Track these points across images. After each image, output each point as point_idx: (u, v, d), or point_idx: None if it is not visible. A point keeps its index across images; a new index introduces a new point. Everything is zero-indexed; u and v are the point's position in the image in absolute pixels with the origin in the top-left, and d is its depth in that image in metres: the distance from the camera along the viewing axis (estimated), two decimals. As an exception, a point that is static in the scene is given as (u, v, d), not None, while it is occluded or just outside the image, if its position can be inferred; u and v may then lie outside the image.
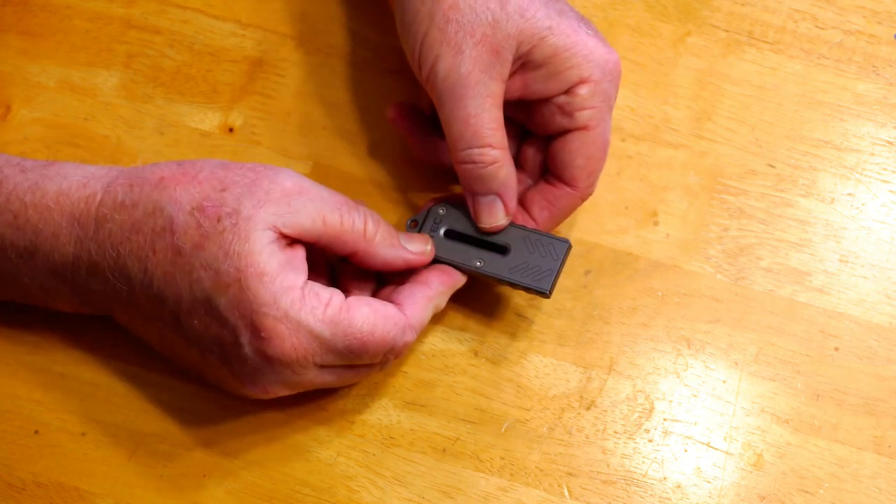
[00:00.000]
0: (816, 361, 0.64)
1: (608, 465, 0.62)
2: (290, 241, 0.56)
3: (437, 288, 0.61)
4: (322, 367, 0.57)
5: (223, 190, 0.56)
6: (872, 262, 0.66)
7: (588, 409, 0.63)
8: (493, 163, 0.59)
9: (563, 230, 0.67)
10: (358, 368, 0.59)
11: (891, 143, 0.69)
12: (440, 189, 0.67)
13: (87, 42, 0.70)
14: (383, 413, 0.63)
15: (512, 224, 0.62)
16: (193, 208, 0.55)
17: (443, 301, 0.61)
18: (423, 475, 0.62)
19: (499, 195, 0.61)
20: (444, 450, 0.62)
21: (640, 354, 0.64)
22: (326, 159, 0.68)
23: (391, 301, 0.59)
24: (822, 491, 0.62)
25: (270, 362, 0.55)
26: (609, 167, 0.68)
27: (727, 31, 0.71)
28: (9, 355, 0.63)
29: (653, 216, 0.67)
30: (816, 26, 0.72)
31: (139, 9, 0.71)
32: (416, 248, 0.61)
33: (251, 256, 0.54)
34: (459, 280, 0.62)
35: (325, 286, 0.57)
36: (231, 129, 0.69)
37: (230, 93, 0.69)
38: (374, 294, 0.61)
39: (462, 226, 0.62)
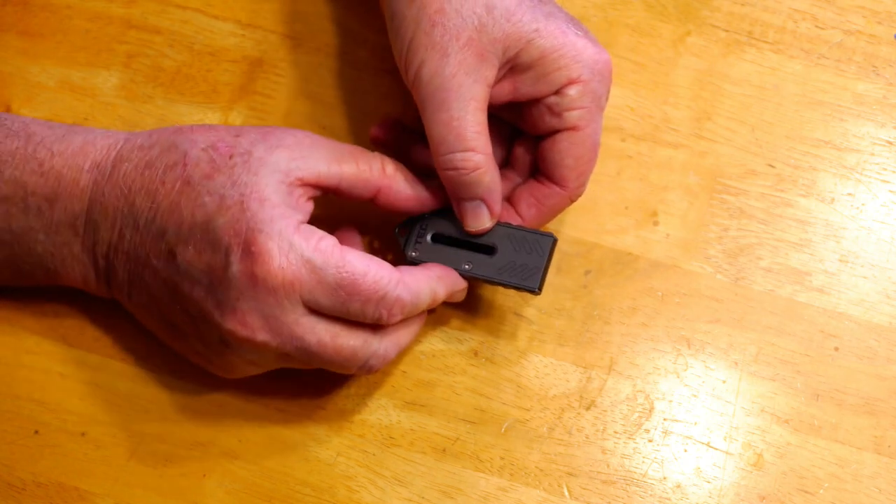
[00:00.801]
0: (816, 361, 0.64)
1: (608, 465, 0.62)
2: (308, 193, 0.57)
3: (437, 272, 0.60)
4: (309, 310, 0.56)
5: (238, 135, 0.58)
6: (872, 262, 0.66)
7: (588, 409, 0.63)
8: (475, 169, 0.59)
9: (561, 230, 0.67)
10: (346, 334, 0.57)
11: (891, 143, 0.69)
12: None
13: (87, 42, 0.70)
14: (383, 413, 0.63)
15: (498, 223, 0.61)
16: (208, 146, 0.57)
17: (441, 289, 0.60)
18: (423, 475, 0.62)
19: (483, 200, 0.60)
20: (444, 450, 0.62)
21: (640, 354, 0.64)
22: (326, 159, 0.68)
23: None
24: (822, 491, 0.62)
25: (255, 283, 0.55)
26: (609, 167, 0.68)
27: (727, 31, 0.71)
28: (9, 355, 0.63)
29: (653, 216, 0.67)
30: (816, 26, 0.72)
31: (139, 9, 0.71)
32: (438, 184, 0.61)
33: (257, 185, 0.56)
34: (459, 279, 0.61)
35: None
36: (231, 129, 0.69)
37: (230, 93, 0.69)
38: None
39: (448, 229, 0.62)
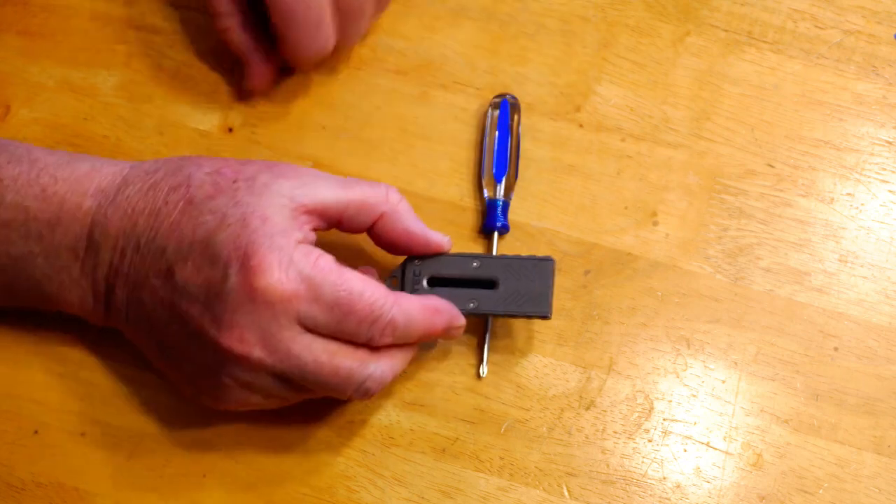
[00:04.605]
0: (816, 361, 0.64)
1: (608, 465, 0.62)
2: (312, 223, 0.57)
3: (435, 304, 0.59)
4: (305, 329, 0.56)
5: (243, 164, 0.59)
6: (872, 262, 0.66)
7: (587, 409, 0.63)
8: (223, 30, 0.66)
9: (561, 230, 0.67)
10: (343, 354, 0.56)
11: (890, 143, 0.69)
12: (437, 189, 0.67)
13: (87, 42, 0.70)
14: (383, 413, 0.63)
15: (492, 256, 0.62)
16: (212, 171, 0.58)
17: (438, 321, 0.59)
18: (422, 475, 0.62)
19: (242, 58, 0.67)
20: (443, 450, 0.62)
21: (640, 354, 0.64)
22: (326, 159, 0.68)
23: None
24: (821, 491, 0.62)
25: (254, 296, 0.54)
26: (609, 167, 0.68)
27: (726, 30, 0.71)
28: (9, 356, 0.63)
29: (652, 216, 0.67)
30: (816, 26, 0.72)
31: (139, 9, 0.71)
32: (439, 234, 0.61)
33: (259, 205, 0.56)
34: (457, 315, 0.60)
35: None
36: (230, 129, 0.69)
37: (230, 93, 0.69)
38: None
39: (443, 270, 0.62)
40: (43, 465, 0.62)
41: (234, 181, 0.57)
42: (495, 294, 0.61)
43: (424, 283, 0.61)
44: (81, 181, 0.59)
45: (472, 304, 0.61)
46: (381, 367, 0.58)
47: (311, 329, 0.56)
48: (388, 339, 0.57)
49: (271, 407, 0.59)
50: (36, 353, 0.63)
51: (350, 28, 0.67)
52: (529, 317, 0.61)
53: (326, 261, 0.56)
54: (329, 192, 0.58)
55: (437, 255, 0.62)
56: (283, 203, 0.56)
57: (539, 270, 0.61)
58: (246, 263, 0.55)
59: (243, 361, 0.56)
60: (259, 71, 0.67)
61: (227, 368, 0.56)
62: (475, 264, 0.62)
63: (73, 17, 0.71)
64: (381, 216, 0.59)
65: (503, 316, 0.62)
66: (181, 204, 0.57)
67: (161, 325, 0.58)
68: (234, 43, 0.67)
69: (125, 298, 0.59)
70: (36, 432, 0.62)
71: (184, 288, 0.56)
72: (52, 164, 0.59)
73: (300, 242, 0.56)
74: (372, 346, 0.57)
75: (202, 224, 0.56)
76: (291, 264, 0.55)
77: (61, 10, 0.71)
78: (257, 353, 0.55)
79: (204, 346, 0.56)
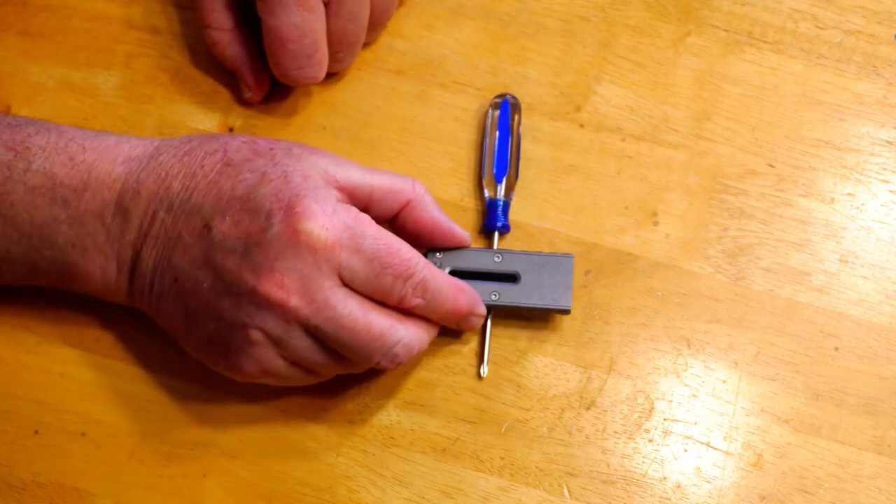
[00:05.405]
0: (816, 361, 0.64)
1: (608, 465, 0.62)
2: (344, 200, 0.58)
3: (461, 284, 0.61)
4: (343, 283, 0.56)
5: (276, 141, 0.60)
6: (872, 262, 0.66)
7: (588, 409, 0.63)
8: (213, 44, 0.67)
9: (562, 229, 0.67)
10: (377, 312, 0.57)
11: (891, 143, 0.69)
12: (437, 189, 0.67)
13: (87, 42, 0.70)
14: (383, 413, 0.63)
15: (514, 251, 0.63)
16: (248, 140, 0.60)
17: (462, 301, 0.60)
18: (423, 475, 0.62)
19: (235, 72, 0.68)
20: (444, 450, 0.62)
21: (640, 354, 0.64)
22: (326, 159, 0.68)
23: None
24: (822, 491, 0.62)
25: (297, 240, 0.55)
26: (609, 167, 0.68)
27: (727, 31, 0.71)
28: (9, 355, 0.63)
29: (652, 216, 0.67)
30: (816, 26, 0.72)
31: (139, 9, 0.71)
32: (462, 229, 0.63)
33: (300, 167, 0.57)
34: (480, 302, 0.62)
35: None
36: (231, 129, 0.69)
37: (230, 93, 0.69)
38: None
39: (465, 263, 0.63)
40: (43, 465, 0.62)
41: (271, 149, 0.59)
42: (517, 288, 0.62)
43: (447, 273, 0.62)
44: (111, 150, 0.60)
45: (494, 296, 0.62)
46: (410, 333, 0.58)
47: (348, 283, 0.57)
48: (418, 300, 0.58)
49: (289, 382, 0.59)
50: (37, 353, 0.64)
51: (343, 54, 0.67)
52: (550, 310, 0.62)
53: (365, 216, 0.58)
54: (358, 173, 0.59)
55: (458, 248, 0.63)
56: (319, 172, 0.58)
57: (560, 266, 0.63)
58: (290, 211, 0.56)
59: (278, 309, 0.56)
60: (252, 83, 0.68)
61: (260, 320, 0.56)
62: (497, 258, 0.63)
63: (73, 17, 0.71)
64: (408, 204, 0.61)
65: (524, 308, 0.63)
66: (218, 166, 0.58)
67: (189, 286, 0.57)
68: (225, 57, 0.68)
69: (152, 263, 0.59)
70: (36, 432, 0.62)
71: (221, 242, 0.56)
72: (80, 136, 0.60)
73: (341, 200, 0.58)
74: (403, 309, 0.58)
75: (242, 181, 0.57)
76: (335, 213, 0.56)
77: (61, 10, 0.71)
78: (294, 300, 0.56)
79: (237, 298, 0.56)
